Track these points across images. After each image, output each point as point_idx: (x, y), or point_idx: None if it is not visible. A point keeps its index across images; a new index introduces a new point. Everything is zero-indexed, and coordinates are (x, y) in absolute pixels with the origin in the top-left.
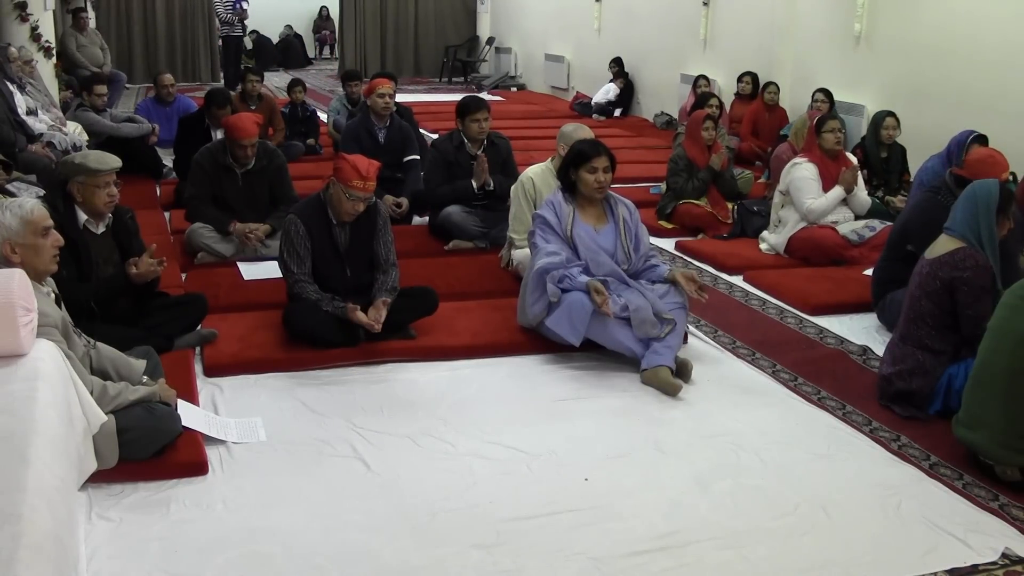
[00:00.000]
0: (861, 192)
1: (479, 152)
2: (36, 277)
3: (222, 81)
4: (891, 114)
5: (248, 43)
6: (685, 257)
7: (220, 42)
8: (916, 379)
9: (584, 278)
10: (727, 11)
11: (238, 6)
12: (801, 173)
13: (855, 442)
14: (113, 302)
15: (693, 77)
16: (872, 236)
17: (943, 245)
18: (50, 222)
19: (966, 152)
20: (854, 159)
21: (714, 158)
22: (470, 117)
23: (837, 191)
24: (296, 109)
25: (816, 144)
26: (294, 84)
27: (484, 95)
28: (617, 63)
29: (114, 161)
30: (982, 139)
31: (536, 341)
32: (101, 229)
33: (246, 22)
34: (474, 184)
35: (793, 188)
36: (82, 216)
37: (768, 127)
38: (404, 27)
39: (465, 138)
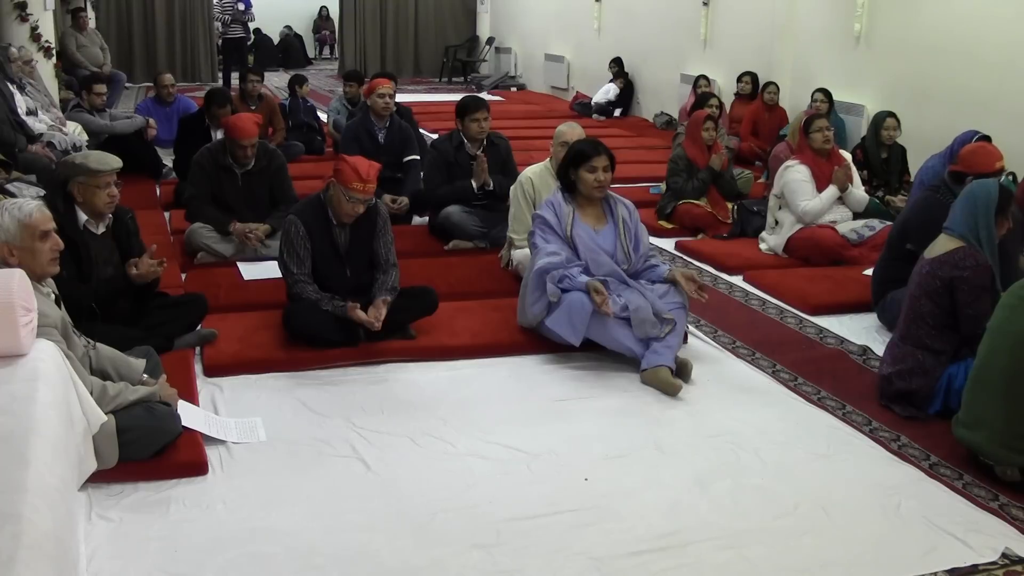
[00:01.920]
0: (857, 189)
1: (479, 152)
2: (34, 279)
3: (225, 82)
4: (892, 115)
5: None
6: (685, 257)
7: (219, 43)
8: (916, 379)
9: (584, 278)
10: (727, 11)
11: (236, 7)
12: (793, 176)
13: (855, 442)
14: (113, 303)
15: (693, 77)
16: (872, 236)
17: (942, 244)
18: (50, 226)
19: None
20: (848, 156)
21: (714, 158)
22: (469, 117)
23: (831, 191)
24: (297, 102)
25: (807, 145)
26: (299, 80)
27: (484, 95)
28: (617, 63)
29: (115, 162)
30: (986, 139)
31: (536, 341)
32: (101, 229)
33: (250, 24)
34: (474, 184)
35: (787, 191)
36: (82, 216)
37: (768, 127)
38: (404, 27)
39: (465, 138)
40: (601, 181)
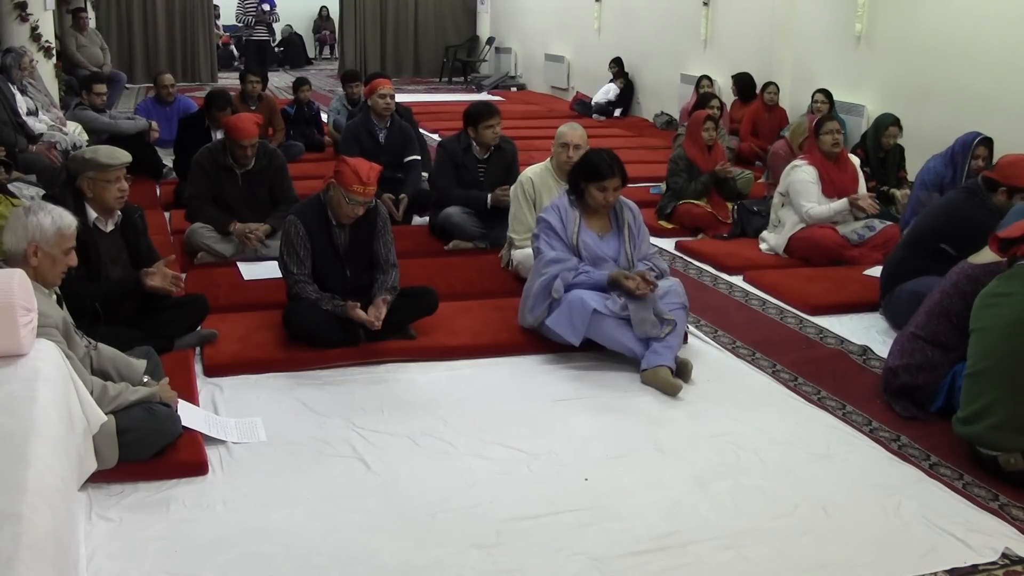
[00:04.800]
0: (862, 192)
1: (486, 156)
2: (42, 285)
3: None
4: (896, 123)
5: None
6: (685, 257)
7: (243, 45)
8: (923, 374)
9: (603, 272)
10: (727, 11)
11: (260, 7)
12: (800, 176)
13: (855, 442)
14: (120, 304)
15: (694, 77)
16: (872, 236)
17: (991, 254)
18: (75, 243)
19: (971, 154)
20: (856, 160)
21: (719, 169)
22: (484, 124)
23: (842, 203)
24: (302, 109)
25: (816, 146)
26: (300, 83)
27: (484, 95)
28: (617, 63)
29: (124, 156)
30: (987, 141)
31: (536, 341)
32: (110, 227)
33: (273, 25)
34: (488, 201)
35: (792, 191)
36: (92, 214)
37: (768, 127)
38: (404, 27)
39: (477, 144)
40: (610, 201)
